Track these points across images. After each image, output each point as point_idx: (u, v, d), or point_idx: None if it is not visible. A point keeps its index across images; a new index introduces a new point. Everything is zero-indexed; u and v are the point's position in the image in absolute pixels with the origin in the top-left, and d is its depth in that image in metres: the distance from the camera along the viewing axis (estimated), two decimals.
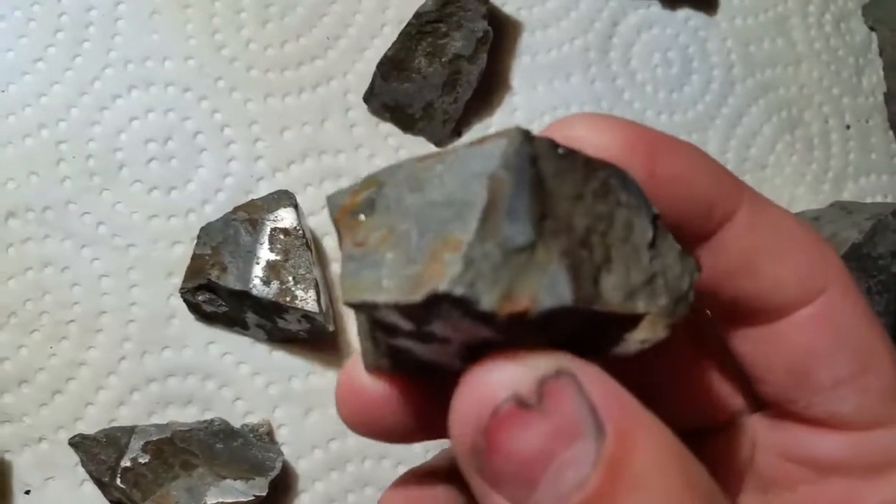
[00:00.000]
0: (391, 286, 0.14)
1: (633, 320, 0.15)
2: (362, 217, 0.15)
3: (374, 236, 0.14)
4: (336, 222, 0.15)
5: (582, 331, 0.14)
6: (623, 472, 0.13)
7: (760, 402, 0.19)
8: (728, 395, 0.21)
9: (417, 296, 0.13)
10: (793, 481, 0.18)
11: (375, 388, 0.17)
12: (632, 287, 0.15)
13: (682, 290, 0.15)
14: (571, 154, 0.15)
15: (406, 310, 0.14)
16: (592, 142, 0.16)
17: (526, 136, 0.14)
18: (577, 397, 0.13)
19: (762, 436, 0.19)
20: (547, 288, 0.13)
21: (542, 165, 0.14)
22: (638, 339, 0.15)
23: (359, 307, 0.14)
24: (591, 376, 0.14)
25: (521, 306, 0.13)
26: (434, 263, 0.13)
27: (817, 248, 0.17)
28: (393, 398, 0.17)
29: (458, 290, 0.13)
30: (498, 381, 0.13)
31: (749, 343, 0.18)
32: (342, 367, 0.18)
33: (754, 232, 0.16)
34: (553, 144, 0.14)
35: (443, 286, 0.13)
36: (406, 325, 0.14)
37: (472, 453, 0.13)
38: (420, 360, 0.15)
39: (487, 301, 0.13)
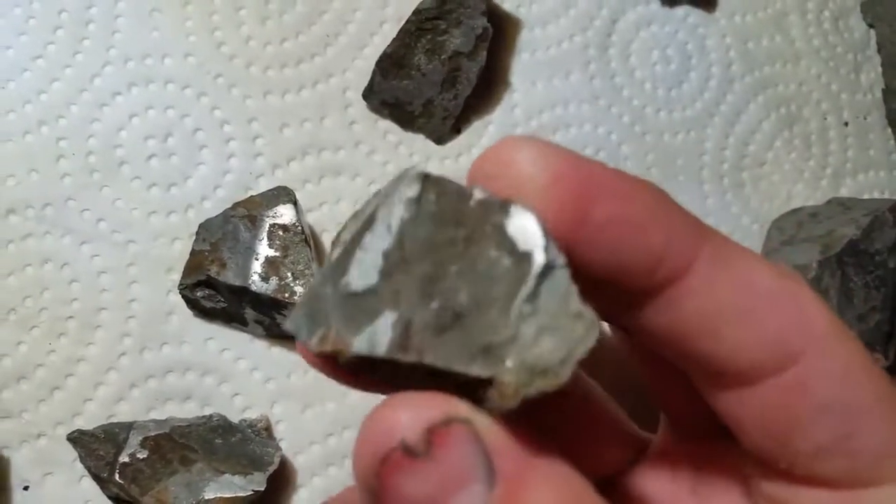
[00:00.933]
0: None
1: (485, 381, 0.14)
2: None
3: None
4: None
5: (466, 382, 0.14)
6: None
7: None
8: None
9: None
10: None
11: None
12: (481, 345, 0.14)
13: (551, 359, 0.13)
14: (464, 195, 0.14)
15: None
16: (523, 170, 0.14)
17: (422, 178, 0.14)
18: (467, 444, 0.13)
19: (752, 483, 0.18)
20: (368, 335, 0.14)
21: (424, 208, 0.14)
22: (490, 403, 0.14)
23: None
24: (483, 424, 0.14)
25: (329, 348, 0.14)
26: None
27: (794, 306, 0.15)
28: None
29: (288, 325, 0.14)
30: (388, 426, 0.13)
31: (722, 402, 0.16)
32: None
33: (713, 289, 0.15)
34: (449, 186, 0.14)
35: (286, 324, 0.14)
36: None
37: (368, 492, 0.14)
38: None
39: (305, 337, 0.14)
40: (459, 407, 0.14)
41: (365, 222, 0.14)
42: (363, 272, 0.14)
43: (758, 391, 0.15)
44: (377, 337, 0.14)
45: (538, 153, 0.14)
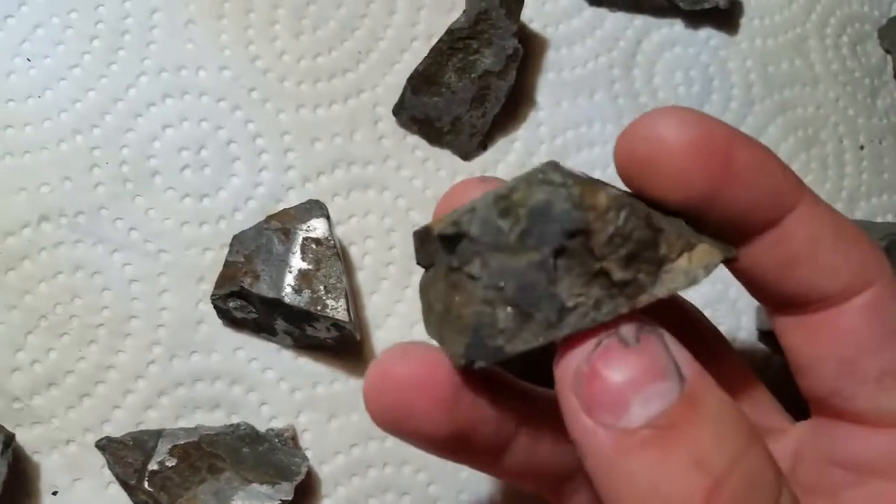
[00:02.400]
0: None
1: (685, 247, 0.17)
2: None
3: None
4: None
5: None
6: (700, 407, 0.15)
7: (805, 406, 0.20)
8: (763, 413, 0.22)
9: None
10: (834, 487, 0.18)
11: (411, 379, 0.18)
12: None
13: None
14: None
15: None
16: (673, 135, 0.17)
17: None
18: (663, 347, 0.16)
19: (804, 444, 0.19)
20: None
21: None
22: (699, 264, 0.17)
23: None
24: (672, 338, 0.16)
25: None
26: None
27: (868, 244, 0.18)
28: (434, 391, 0.18)
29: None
30: (606, 327, 0.16)
31: (801, 332, 0.19)
32: (373, 363, 0.19)
33: (814, 223, 0.18)
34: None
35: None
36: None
37: (574, 377, 0.16)
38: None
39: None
40: (656, 322, 0.17)
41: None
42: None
43: (835, 314, 0.18)
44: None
45: (686, 119, 0.17)
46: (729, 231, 0.18)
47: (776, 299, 0.19)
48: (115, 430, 0.32)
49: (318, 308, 0.30)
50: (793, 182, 0.18)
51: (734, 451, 0.15)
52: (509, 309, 0.16)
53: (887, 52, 0.43)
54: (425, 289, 0.19)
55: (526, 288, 0.16)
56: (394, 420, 0.18)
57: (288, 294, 0.31)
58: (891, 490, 0.18)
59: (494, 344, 0.16)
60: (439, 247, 0.18)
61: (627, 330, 0.16)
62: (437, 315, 0.18)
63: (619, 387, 0.15)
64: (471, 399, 0.18)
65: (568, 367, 0.16)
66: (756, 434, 0.16)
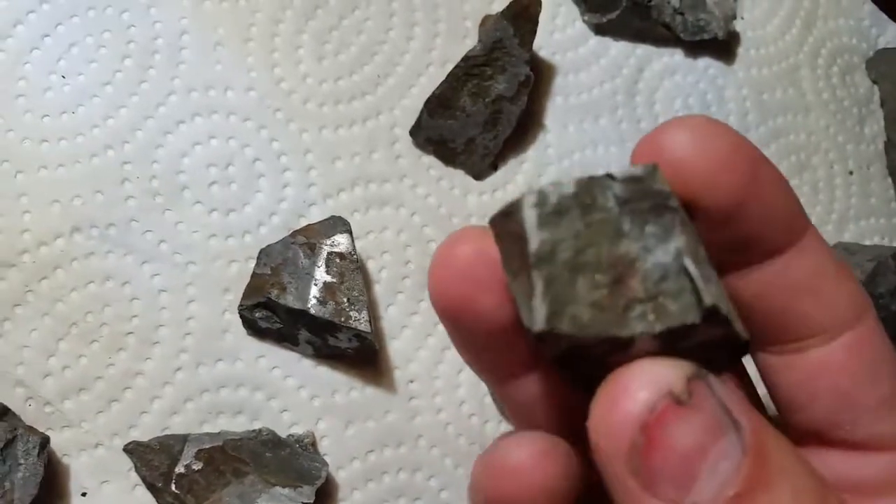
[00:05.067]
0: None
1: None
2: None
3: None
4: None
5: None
6: (767, 460, 0.14)
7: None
8: None
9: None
10: None
11: (478, 256, 0.17)
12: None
13: None
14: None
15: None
16: (707, 139, 0.16)
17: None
18: (714, 396, 0.14)
19: None
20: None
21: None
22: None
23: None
24: (715, 380, 0.15)
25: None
26: None
27: (855, 279, 0.19)
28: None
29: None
30: (652, 379, 0.14)
31: (793, 369, 0.18)
32: (440, 246, 0.18)
33: (819, 255, 0.18)
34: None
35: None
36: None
37: (630, 453, 0.14)
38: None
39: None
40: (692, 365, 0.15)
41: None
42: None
43: (831, 348, 0.18)
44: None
45: (712, 131, 0.17)
46: (740, 253, 0.18)
47: (773, 333, 0.19)
48: (142, 434, 0.34)
49: (342, 319, 0.32)
50: (802, 211, 0.18)
51: (814, 490, 0.15)
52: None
53: (874, 82, 0.46)
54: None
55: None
56: (459, 295, 0.17)
57: (313, 305, 0.32)
58: None
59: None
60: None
61: (680, 384, 0.14)
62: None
63: (685, 456, 0.14)
64: None
65: (620, 438, 0.14)
66: (824, 483, 0.15)
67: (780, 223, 0.17)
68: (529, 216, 0.15)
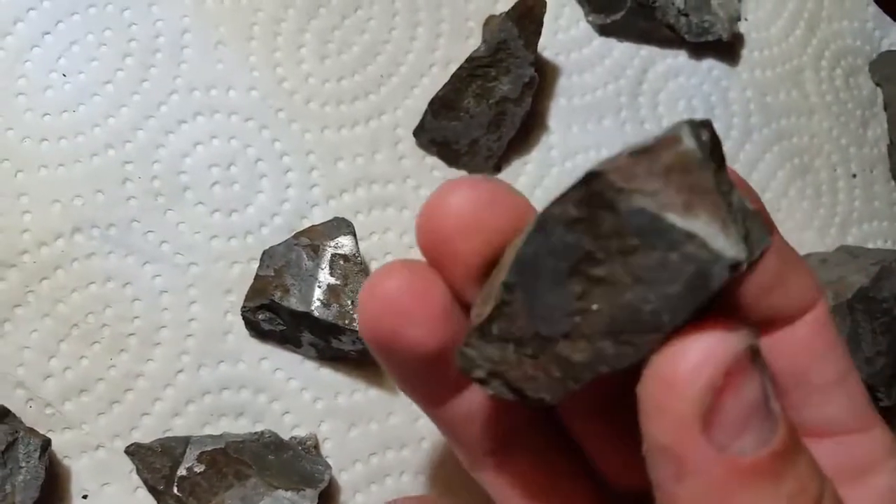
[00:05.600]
0: None
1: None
2: None
3: None
4: None
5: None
6: (793, 430, 0.15)
7: None
8: None
9: None
10: None
11: (408, 287, 0.18)
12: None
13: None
14: None
15: None
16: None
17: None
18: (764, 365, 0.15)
19: None
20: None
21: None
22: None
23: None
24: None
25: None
26: None
27: (806, 265, 0.20)
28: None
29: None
30: (737, 334, 0.15)
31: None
32: (368, 279, 0.18)
33: (784, 251, 0.19)
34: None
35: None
36: None
37: (706, 387, 0.14)
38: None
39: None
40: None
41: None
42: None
43: (790, 332, 0.19)
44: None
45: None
46: None
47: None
48: (143, 436, 0.33)
49: (346, 322, 0.32)
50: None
51: (821, 475, 0.16)
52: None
53: (878, 84, 0.46)
54: None
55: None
56: (388, 328, 0.18)
57: (317, 308, 0.32)
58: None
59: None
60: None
61: (755, 341, 0.15)
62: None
63: (747, 407, 0.15)
64: (462, 315, 0.18)
65: (699, 372, 0.14)
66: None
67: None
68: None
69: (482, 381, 0.17)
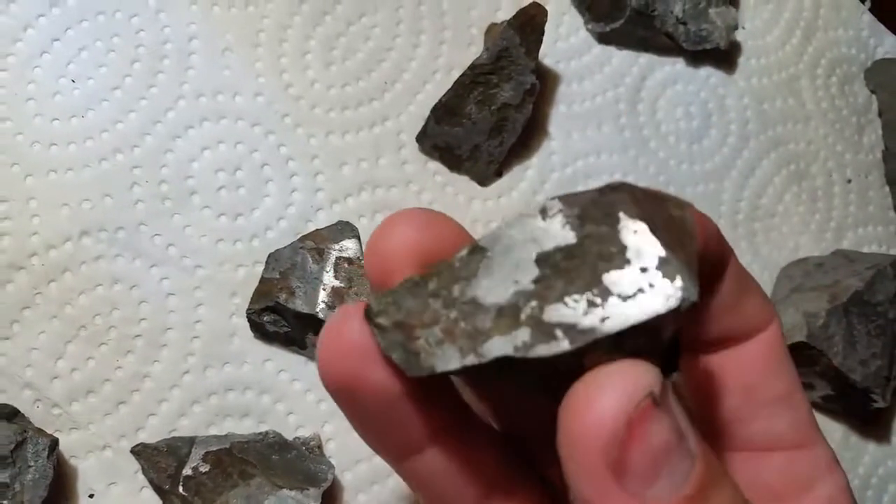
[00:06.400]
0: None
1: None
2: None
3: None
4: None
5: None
6: (711, 467, 0.15)
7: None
8: None
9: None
10: None
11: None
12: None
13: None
14: None
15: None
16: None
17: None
18: (675, 402, 0.15)
19: None
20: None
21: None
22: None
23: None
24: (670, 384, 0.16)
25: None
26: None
27: (759, 286, 0.21)
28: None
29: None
30: (635, 379, 0.15)
31: (710, 366, 0.21)
32: (325, 325, 0.18)
33: (739, 274, 0.20)
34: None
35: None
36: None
37: (608, 445, 0.14)
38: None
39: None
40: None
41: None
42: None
43: (742, 350, 0.20)
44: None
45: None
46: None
47: (694, 344, 0.21)
48: (149, 436, 0.34)
49: None
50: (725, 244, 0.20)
51: None
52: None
53: (873, 92, 0.46)
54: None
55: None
56: (350, 371, 0.17)
57: (322, 310, 0.33)
58: None
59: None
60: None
61: (658, 386, 0.15)
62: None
63: (655, 453, 0.14)
64: None
65: (603, 430, 0.14)
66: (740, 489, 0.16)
67: (715, 255, 0.19)
68: None
69: (380, 328, 0.17)
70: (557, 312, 0.15)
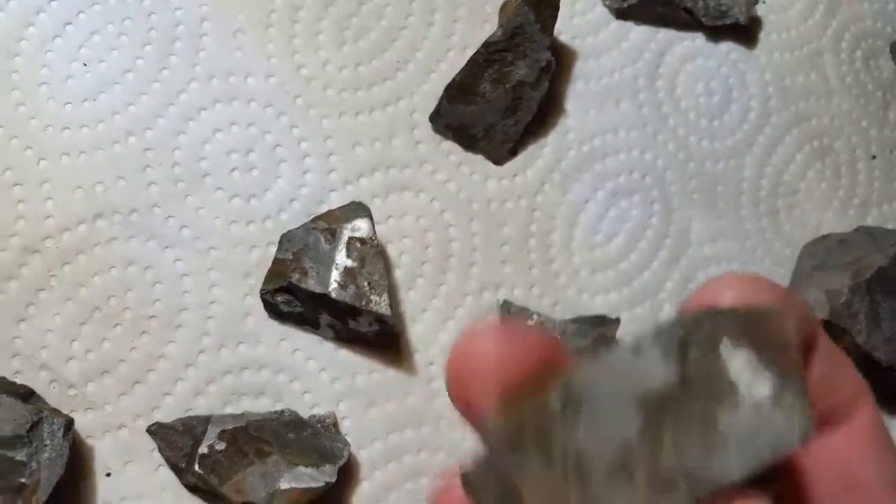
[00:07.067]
0: None
1: None
2: None
3: None
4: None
5: None
6: None
7: None
8: None
9: None
10: None
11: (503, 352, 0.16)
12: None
13: None
14: None
15: None
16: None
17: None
18: None
19: None
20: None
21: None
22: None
23: None
24: None
25: None
26: None
27: (853, 365, 0.19)
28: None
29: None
30: None
31: (804, 459, 0.19)
32: (455, 343, 0.17)
33: (832, 355, 0.19)
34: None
35: None
36: None
37: None
38: None
39: None
40: None
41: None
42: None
43: (836, 436, 0.19)
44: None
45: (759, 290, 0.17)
46: None
47: None
48: (164, 416, 0.34)
49: (363, 303, 0.32)
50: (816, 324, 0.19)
51: None
52: None
53: None
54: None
55: None
56: (477, 397, 0.17)
57: (334, 290, 0.32)
58: None
59: None
60: None
61: None
62: None
63: None
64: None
65: None
66: None
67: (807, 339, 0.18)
68: None
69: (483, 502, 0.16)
70: (672, 463, 0.15)
